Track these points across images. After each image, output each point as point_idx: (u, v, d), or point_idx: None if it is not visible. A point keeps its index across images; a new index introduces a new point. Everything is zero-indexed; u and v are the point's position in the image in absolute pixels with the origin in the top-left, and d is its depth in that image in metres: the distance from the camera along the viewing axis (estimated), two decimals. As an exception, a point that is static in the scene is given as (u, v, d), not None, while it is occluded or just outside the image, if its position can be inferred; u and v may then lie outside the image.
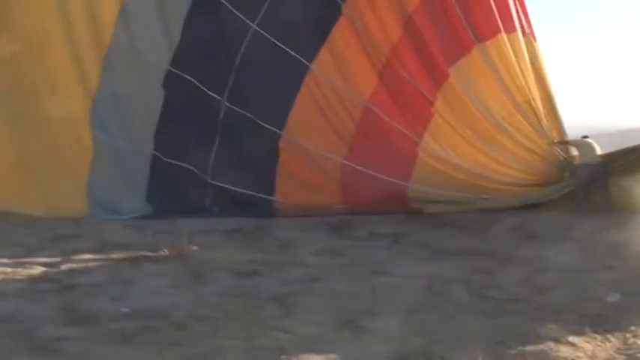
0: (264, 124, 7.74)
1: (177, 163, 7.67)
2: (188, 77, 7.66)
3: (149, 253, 5.65)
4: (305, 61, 7.80)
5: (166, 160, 7.67)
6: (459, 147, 7.76)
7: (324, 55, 7.87)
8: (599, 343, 3.48)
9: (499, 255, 5.65)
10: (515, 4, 8.03)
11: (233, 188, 7.68)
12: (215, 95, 7.71)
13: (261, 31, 7.70)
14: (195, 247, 5.95)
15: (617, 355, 3.34)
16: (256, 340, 3.54)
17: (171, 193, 7.64)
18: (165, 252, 5.67)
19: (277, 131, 7.78)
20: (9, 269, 5.04)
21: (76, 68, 7.76)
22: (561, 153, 7.80)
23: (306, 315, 4.03)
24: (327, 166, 7.84)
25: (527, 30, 8.02)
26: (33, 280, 4.80)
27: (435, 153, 7.74)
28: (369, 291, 4.54)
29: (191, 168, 7.68)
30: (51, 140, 7.71)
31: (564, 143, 7.91)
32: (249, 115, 7.73)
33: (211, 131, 7.77)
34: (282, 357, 3.30)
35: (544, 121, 7.84)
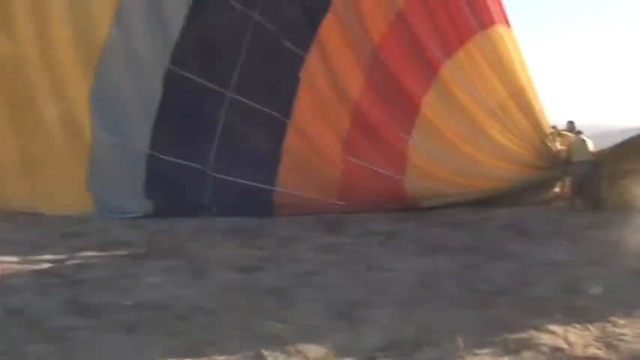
0: (269, 111, 7.87)
1: (176, 160, 7.82)
2: (188, 74, 7.80)
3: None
4: (301, 54, 7.97)
5: (164, 157, 7.81)
6: (448, 141, 7.94)
7: (314, 50, 8.06)
8: (579, 332, 3.67)
9: (490, 251, 5.84)
10: None
11: (233, 179, 7.81)
12: (218, 88, 7.85)
13: (263, 22, 7.86)
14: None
15: (595, 343, 3.52)
16: (254, 330, 3.72)
17: (170, 191, 7.79)
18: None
19: (283, 119, 7.96)
20: (18, 265, 5.23)
21: (71, 68, 7.87)
22: (552, 145, 8.03)
23: (303, 307, 4.21)
24: (328, 156, 8.01)
25: (508, 20, 8.25)
26: (40, 275, 4.99)
27: (425, 150, 7.92)
28: (363, 285, 4.74)
29: (190, 164, 7.82)
30: (51, 140, 7.85)
31: (560, 135, 8.13)
32: (255, 104, 7.88)
33: (212, 126, 7.90)
34: (280, 345, 3.49)
35: (535, 111, 8.06)
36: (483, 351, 3.34)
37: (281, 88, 8.00)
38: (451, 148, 7.95)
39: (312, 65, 8.01)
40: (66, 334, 3.60)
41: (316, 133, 8.07)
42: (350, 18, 8.02)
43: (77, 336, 3.58)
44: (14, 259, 5.41)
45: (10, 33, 7.79)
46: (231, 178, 7.80)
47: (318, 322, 3.88)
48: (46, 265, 5.29)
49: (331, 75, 8.09)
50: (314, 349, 3.42)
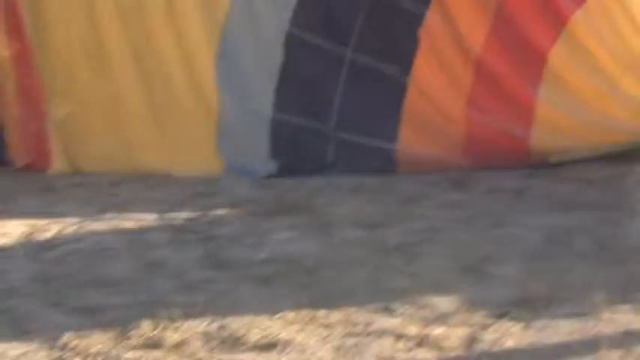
0: (388, 70, 7.70)
1: (298, 120, 7.93)
2: (308, 36, 7.86)
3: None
4: (420, 11, 7.79)
5: (287, 118, 7.94)
6: (579, 93, 7.50)
7: (434, 5, 7.81)
8: None
9: (627, 207, 5.53)
10: None
11: (355, 138, 7.81)
12: (338, 48, 7.84)
13: None
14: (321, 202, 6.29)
15: None
16: (382, 284, 3.78)
17: (294, 151, 7.93)
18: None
19: (403, 77, 7.80)
20: (155, 223, 5.59)
21: (197, 32, 8.04)
22: None
23: (430, 262, 4.22)
24: (451, 113, 7.83)
25: None
26: (177, 231, 5.31)
27: (553, 103, 7.53)
28: (491, 241, 4.66)
29: (313, 124, 7.91)
30: (179, 100, 8.14)
31: None
32: (374, 63, 7.77)
33: (333, 86, 7.90)
34: (408, 298, 3.52)
35: None
36: (624, 307, 3.21)
37: (400, 46, 7.83)
38: (581, 101, 7.50)
39: (432, 21, 7.78)
40: (205, 286, 3.84)
41: (438, 90, 7.87)
42: None
43: (216, 288, 3.81)
44: (152, 216, 5.77)
45: None
46: (353, 137, 7.82)
47: (446, 277, 3.88)
48: (180, 222, 5.60)
49: (452, 30, 7.83)
50: (444, 303, 3.43)
